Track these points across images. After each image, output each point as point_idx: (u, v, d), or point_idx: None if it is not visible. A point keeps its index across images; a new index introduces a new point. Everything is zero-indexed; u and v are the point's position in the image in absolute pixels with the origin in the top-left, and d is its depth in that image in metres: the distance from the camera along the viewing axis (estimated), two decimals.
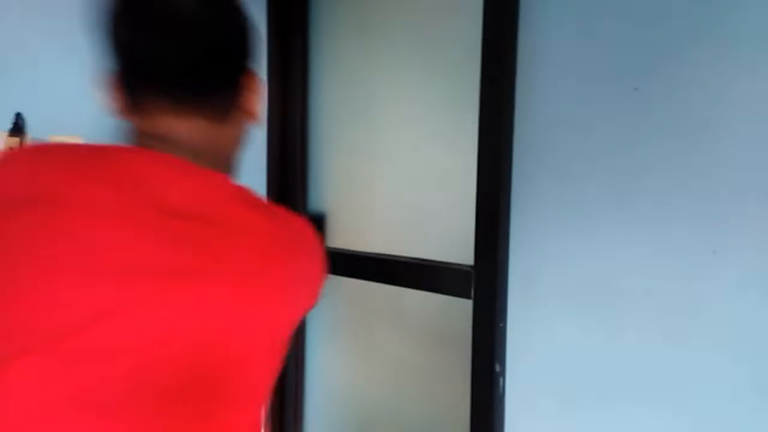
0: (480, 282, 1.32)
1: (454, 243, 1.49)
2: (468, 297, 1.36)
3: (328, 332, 1.84)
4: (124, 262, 0.54)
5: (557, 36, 1.11)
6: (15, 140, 1.54)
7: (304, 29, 1.82)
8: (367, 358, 1.75)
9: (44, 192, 0.57)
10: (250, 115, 0.73)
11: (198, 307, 0.55)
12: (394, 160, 1.60)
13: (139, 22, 0.62)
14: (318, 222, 1.87)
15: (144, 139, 0.65)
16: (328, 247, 1.77)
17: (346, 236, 1.77)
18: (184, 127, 0.65)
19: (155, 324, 0.55)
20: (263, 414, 0.70)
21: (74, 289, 0.53)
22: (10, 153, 0.61)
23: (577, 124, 1.09)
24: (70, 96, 1.64)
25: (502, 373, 1.28)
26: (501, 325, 1.28)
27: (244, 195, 0.65)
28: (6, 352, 0.53)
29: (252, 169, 2.00)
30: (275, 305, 0.61)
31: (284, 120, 1.97)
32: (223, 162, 0.72)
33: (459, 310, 1.45)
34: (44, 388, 0.54)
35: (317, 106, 1.82)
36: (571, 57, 1.08)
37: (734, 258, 0.92)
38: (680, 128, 0.97)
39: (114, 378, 0.55)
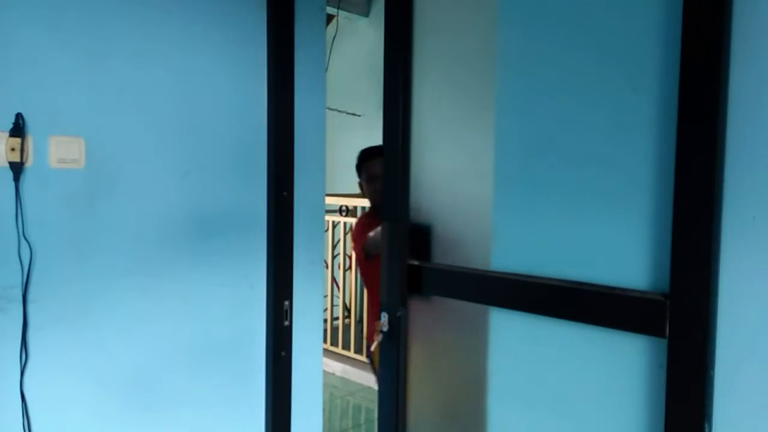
0: (680, 315, 0.99)
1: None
2: (660, 335, 1.03)
3: (428, 363, 1.61)
4: None
5: None
6: (15, 140, 1.53)
7: (409, 32, 1.61)
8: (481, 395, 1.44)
9: None
10: None
11: None
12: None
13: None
14: (424, 235, 1.63)
15: None
16: (440, 265, 1.55)
17: (460, 251, 1.51)
18: None
19: None
20: None
21: None
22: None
23: None
24: (71, 96, 1.63)
25: None
26: (711, 372, 0.96)
27: None
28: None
29: (253, 169, 2.00)
30: None
31: (283, 123, 1.93)
32: None
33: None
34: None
35: (419, 106, 1.59)
36: None
37: None
38: None
39: None
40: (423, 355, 1.61)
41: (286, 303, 2.02)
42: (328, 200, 3.67)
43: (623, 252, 1.11)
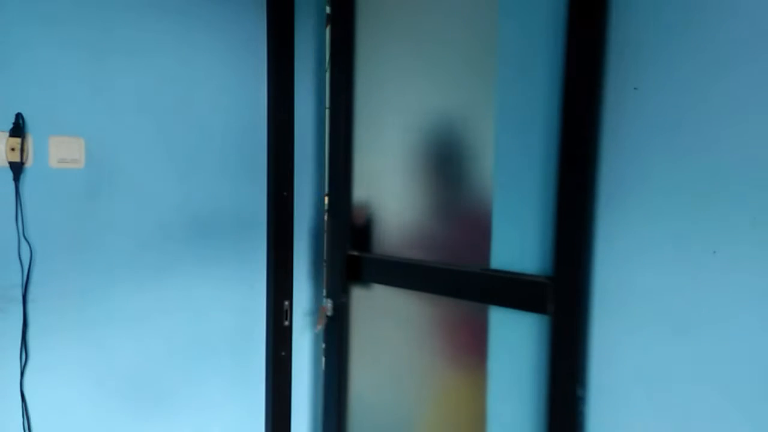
0: (560, 296, 1.14)
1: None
2: (543, 312, 1.18)
3: (368, 343, 1.77)
4: None
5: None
6: (15, 140, 1.53)
7: (350, 32, 1.78)
8: (410, 371, 1.63)
9: None
10: None
11: None
12: (435, 160, 1.52)
13: None
14: (363, 229, 1.76)
15: None
16: (375, 255, 1.70)
17: (392, 243, 1.67)
18: None
19: None
20: None
21: None
22: None
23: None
24: (71, 96, 1.63)
25: (585, 397, 1.10)
26: (584, 344, 1.10)
27: None
28: None
29: (253, 169, 2.00)
30: None
31: (283, 123, 1.97)
32: None
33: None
34: None
35: (360, 110, 1.75)
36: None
37: None
38: None
39: None
40: (362, 334, 1.79)
41: (286, 303, 2.02)
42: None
43: (526, 243, 1.25)
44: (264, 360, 2.03)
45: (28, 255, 1.58)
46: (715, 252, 0.93)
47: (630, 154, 1.05)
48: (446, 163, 1.52)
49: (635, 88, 1.03)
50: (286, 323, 2.03)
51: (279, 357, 2.02)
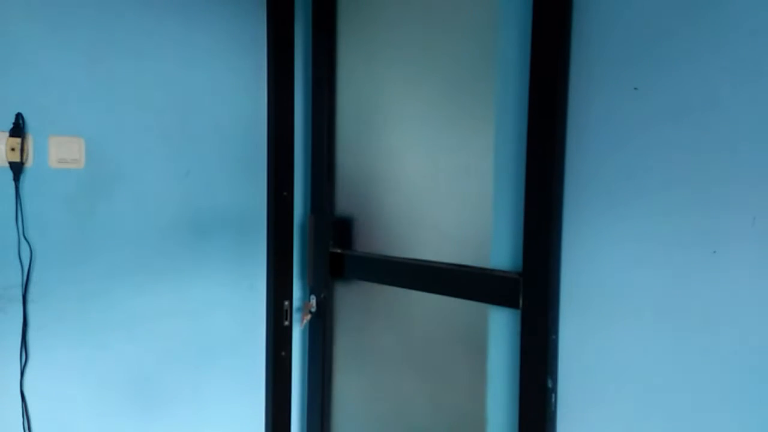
0: (529, 290, 1.17)
1: (477, 244, 1.36)
2: (515, 307, 1.21)
3: (353, 339, 1.81)
4: None
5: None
6: (15, 140, 1.53)
7: (332, 34, 1.81)
8: (390, 364, 1.67)
9: None
10: None
11: None
12: (414, 161, 1.56)
13: None
14: (345, 226, 1.80)
15: None
16: (356, 252, 1.74)
17: (373, 240, 1.71)
18: None
19: None
20: None
21: None
22: None
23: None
24: (71, 96, 1.63)
25: (555, 389, 1.13)
26: (553, 337, 1.13)
27: None
28: None
29: (253, 169, 2.00)
30: None
31: (283, 124, 1.98)
32: None
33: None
34: None
35: (342, 111, 1.80)
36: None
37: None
38: None
39: None
40: (345, 327, 1.85)
41: (286, 303, 2.02)
42: None
43: (498, 240, 1.29)
44: (264, 360, 2.04)
45: (28, 255, 1.58)
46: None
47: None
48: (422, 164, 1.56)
49: (635, 88, 1.03)
50: (286, 323, 2.03)
51: (279, 357, 2.02)
